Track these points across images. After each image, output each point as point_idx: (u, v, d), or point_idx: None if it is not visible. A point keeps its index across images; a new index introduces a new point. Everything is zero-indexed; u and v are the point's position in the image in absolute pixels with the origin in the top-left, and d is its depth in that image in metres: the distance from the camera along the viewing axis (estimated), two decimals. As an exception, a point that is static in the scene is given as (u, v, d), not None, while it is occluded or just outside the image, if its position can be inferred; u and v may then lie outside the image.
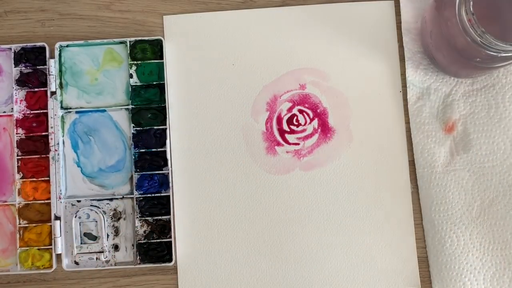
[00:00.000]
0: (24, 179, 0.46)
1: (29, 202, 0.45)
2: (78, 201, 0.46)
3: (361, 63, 0.47)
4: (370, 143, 0.46)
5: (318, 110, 0.47)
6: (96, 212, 0.45)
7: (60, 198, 0.45)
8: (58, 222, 0.45)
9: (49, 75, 0.46)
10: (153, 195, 0.45)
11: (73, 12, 0.48)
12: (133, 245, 0.46)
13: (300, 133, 0.47)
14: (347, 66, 0.47)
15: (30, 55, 0.46)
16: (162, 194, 0.45)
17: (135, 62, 0.46)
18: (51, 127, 0.46)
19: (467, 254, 0.44)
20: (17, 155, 0.46)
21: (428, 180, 0.45)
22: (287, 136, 0.46)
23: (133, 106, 0.46)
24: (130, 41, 0.46)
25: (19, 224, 0.45)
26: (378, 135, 0.46)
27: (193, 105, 0.47)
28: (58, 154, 0.46)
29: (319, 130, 0.46)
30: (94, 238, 0.46)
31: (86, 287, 0.46)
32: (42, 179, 0.46)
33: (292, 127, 0.47)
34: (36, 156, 0.46)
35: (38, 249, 0.45)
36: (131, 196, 0.46)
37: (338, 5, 0.47)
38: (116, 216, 0.46)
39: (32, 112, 0.46)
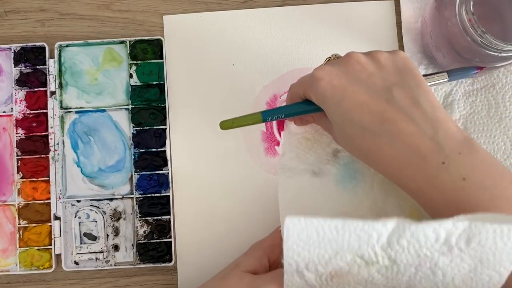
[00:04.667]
0: (24, 179, 0.46)
1: (29, 202, 0.45)
2: (78, 201, 0.46)
3: (361, 63, 0.47)
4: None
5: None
6: (96, 212, 0.45)
7: (60, 198, 0.45)
8: (57, 222, 0.45)
9: (49, 75, 0.46)
10: (153, 195, 0.45)
11: (73, 12, 0.48)
12: (133, 245, 0.45)
13: (300, 133, 0.46)
14: (347, 66, 0.47)
15: (30, 55, 0.46)
16: (162, 194, 0.45)
17: (135, 62, 0.46)
18: (51, 127, 0.46)
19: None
20: (17, 155, 0.46)
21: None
22: (287, 136, 0.46)
23: (133, 106, 0.46)
24: (130, 41, 0.46)
25: (19, 224, 0.45)
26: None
27: (193, 105, 0.47)
28: (58, 154, 0.46)
29: (319, 130, 0.46)
30: (94, 238, 0.45)
31: (86, 287, 0.46)
32: (42, 179, 0.46)
33: (292, 127, 0.47)
34: (36, 156, 0.46)
35: (38, 249, 0.45)
36: (131, 196, 0.46)
37: (338, 5, 0.47)
38: (116, 216, 0.46)
39: (32, 112, 0.46)
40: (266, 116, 0.38)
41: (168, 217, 0.45)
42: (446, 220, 0.27)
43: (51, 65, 0.46)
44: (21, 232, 0.45)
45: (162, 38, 0.46)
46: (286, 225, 0.28)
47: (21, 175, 0.46)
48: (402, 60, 0.34)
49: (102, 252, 0.45)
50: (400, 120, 0.32)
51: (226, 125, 0.38)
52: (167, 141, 0.46)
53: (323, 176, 0.39)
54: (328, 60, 0.41)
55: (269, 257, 0.39)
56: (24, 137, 0.46)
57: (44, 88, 0.46)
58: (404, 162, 0.31)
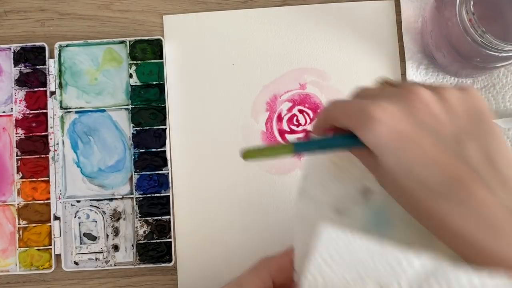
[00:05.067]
0: (24, 179, 0.45)
1: (29, 202, 0.45)
2: (78, 201, 0.46)
3: (361, 63, 0.47)
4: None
5: (319, 110, 0.46)
6: (95, 212, 0.45)
7: (59, 198, 0.45)
8: (57, 222, 0.45)
9: (49, 75, 0.46)
10: (152, 195, 0.45)
11: (73, 12, 0.48)
12: (133, 245, 0.45)
13: (300, 133, 0.46)
14: (347, 66, 0.47)
15: (29, 55, 0.46)
16: (162, 194, 0.45)
17: (135, 62, 0.46)
18: (51, 127, 0.46)
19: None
20: (17, 155, 0.46)
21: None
22: (287, 136, 0.46)
23: (133, 106, 0.46)
24: (129, 41, 0.46)
25: (19, 224, 0.45)
26: (378, 135, 0.46)
27: (193, 105, 0.47)
28: (58, 154, 0.46)
29: (319, 130, 0.46)
30: (93, 238, 0.45)
31: (86, 287, 0.46)
32: (42, 179, 0.46)
33: (292, 127, 0.47)
34: (36, 156, 0.46)
35: (38, 249, 0.45)
36: (131, 196, 0.46)
37: (338, 4, 0.47)
38: (116, 216, 0.46)
39: (31, 112, 0.46)
40: (298, 148, 0.31)
41: (168, 217, 0.45)
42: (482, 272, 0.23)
43: (51, 65, 0.46)
44: (21, 232, 0.45)
45: (162, 38, 0.46)
46: (320, 233, 0.25)
47: (21, 175, 0.46)
48: (474, 101, 0.28)
49: (102, 252, 0.45)
50: (471, 181, 0.26)
51: (249, 155, 0.31)
52: (167, 141, 0.46)
53: (347, 217, 0.32)
54: (378, 86, 0.32)
55: (274, 280, 0.35)
56: (24, 137, 0.46)
57: (44, 88, 0.46)
58: (471, 233, 0.26)
